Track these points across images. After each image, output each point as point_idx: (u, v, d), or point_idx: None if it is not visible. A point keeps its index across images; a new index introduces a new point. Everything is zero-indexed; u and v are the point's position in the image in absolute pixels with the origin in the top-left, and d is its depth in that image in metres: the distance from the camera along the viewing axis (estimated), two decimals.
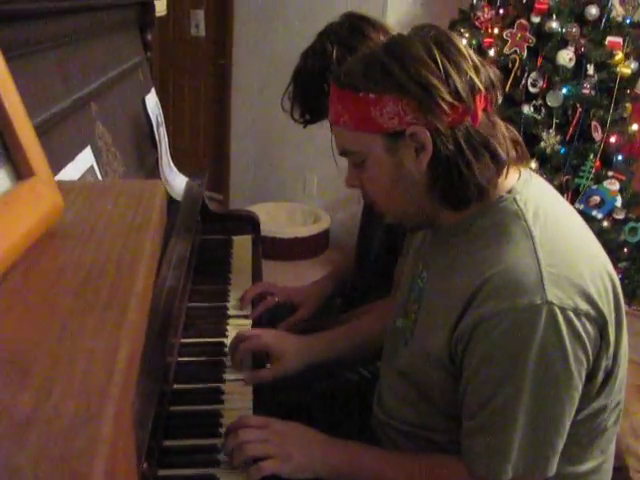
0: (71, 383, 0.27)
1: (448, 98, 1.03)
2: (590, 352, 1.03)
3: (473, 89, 1.05)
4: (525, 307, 0.99)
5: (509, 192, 1.12)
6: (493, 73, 1.10)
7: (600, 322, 1.03)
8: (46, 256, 0.37)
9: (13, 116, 0.37)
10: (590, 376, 1.05)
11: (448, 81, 1.03)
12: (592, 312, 1.01)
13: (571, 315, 0.99)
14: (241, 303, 1.73)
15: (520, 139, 1.15)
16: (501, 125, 1.12)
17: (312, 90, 1.57)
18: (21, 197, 0.37)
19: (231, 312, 1.72)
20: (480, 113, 1.06)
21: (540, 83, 3.40)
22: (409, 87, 1.03)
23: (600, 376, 1.07)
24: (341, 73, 1.11)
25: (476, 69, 1.07)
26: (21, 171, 0.39)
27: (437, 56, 1.04)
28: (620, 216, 3.46)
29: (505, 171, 1.11)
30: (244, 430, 1.17)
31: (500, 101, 1.13)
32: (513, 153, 1.11)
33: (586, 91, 3.34)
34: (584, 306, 1.01)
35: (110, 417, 0.25)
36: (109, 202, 0.43)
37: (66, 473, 0.23)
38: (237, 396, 1.40)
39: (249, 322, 1.68)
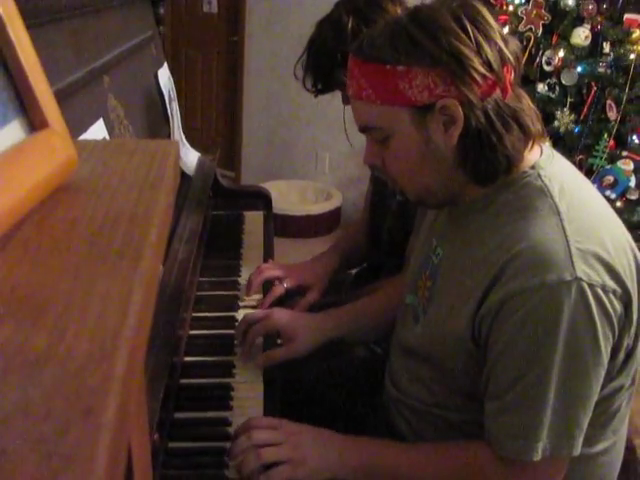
0: (85, 325, 0.27)
1: (480, 69, 1.01)
2: (616, 329, 1.02)
3: (503, 60, 1.03)
4: (554, 283, 0.97)
5: (532, 168, 1.10)
6: (515, 45, 1.08)
7: (625, 299, 1.02)
8: (60, 208, 0.37)
9: (27, 67, 0.37)
10: (612, 355, 1.04)
11: (480, 52, 1.01)
12: (619, 290, 1.00)
13: (600, 292, 0.98)
14: (248, 290, 1.68)
15: (539, 113, 1.14)
16: (526, 97, 1.10)
17: (325, 60, 1.56)
18: (35, 148, 0.37)
19: (241, 298, 1.68)
20: (509, 85, 1.05)
21: (555, 61, 3.36)
22: (441, 58, 1.01)
23: (621, 355, 1.06)
24: (363, 45, 1.07)
25: (504, 40, 1.05)
26: (35, 122, 0.38)
27: (467, 26, 1.02)
28: (634, 196, 3.43)
29: (531, 144, 1.10)
30: (257, 431, 1.12)
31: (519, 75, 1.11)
32: (539, 126, 1.10)
33: (602, 69, 3.30)
34: (611, 283, 1.00)
35: (124, 357, 0.25)
36: (123, 159, 0.43)
37: (79, 409, 0.23)
38: (248, 369, 1.40)
39: (259, 297, 1.68)
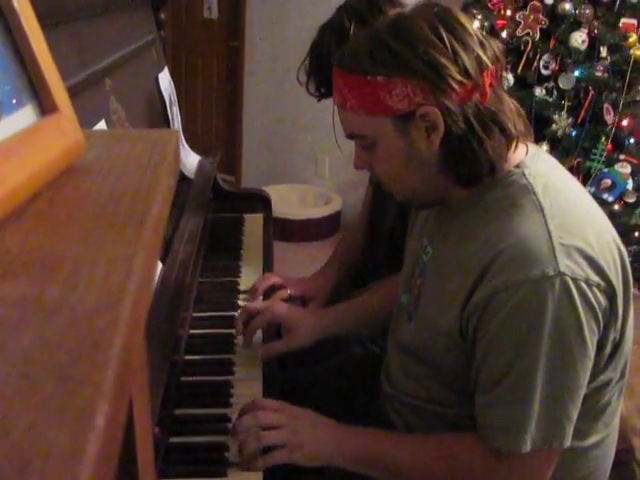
0: (94, 280, 0.30)
1: (457, 77, 1.03)
2: (601, 322, 1.03)
3: (481, 65, 1.05)
4: (538, 278, 0.99)
5: (517, 167, 1.12)
6: (497, 47, 1.10)
7: (609, 293, 1.04)
8: (69, 186, 0.40)
9: (39, 56, 0.40)
10: (599, 348, 1.06)
11: (456, 59, 1.03)
12: (602, 283, 1.02)
13: (583, 286, 1.00)
14: (252, 295, 1.71)
15: (523, 112, 1.15)
16: (507, 99, 1.12)
17: (328, 64, 1.58)
18: (46, 130, 0.40)
19: (242, 297, 1.71)
20: (488, 89, 1.06)
21: (552, 65, 3.39)
22: (418, 68, 1.03)
23: (608, 348, 1.08)
24: (345, 56, 1.10)
25: (482, 45, 1.07)
26: (46, 106, 0.41)
27: (443, 34, 1.04)
28: (631, 199, 3.46)
29: (514, 145, 1.12)
30: (262, 413, 1.15)
31: (512, 82, 1.13)
32: (521, 127, 1.12)
33: (599, 73, 3.33)
34: (595, 277, 1.01)
35: (129, 306, 0.28)
36: (127, 146, 0.46)
37: (90, 344, 0.26)
38: (247, 368, 1.42)
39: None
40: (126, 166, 0.43)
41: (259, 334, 1.50)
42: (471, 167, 1.09)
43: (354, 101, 1.09)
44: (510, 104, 1.12)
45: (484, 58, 1.06)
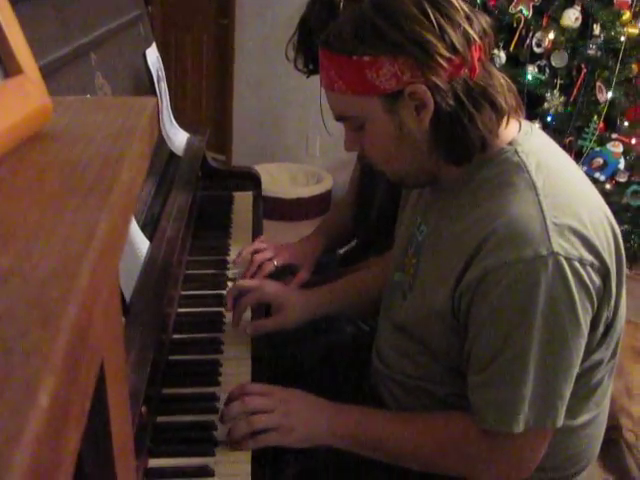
0: (51, 247, 0.28)
1: (445, 53, 1.02)
2: (595, 301, 1.03)
3: (468, 40, 1.04)
4: (531, 258, 0.99)
5: (510, 144, 1.11)
6: (484, 21, 1.09)
7: (603, 272, 1.03)
8: (34, 152, 0.38)
9: (0, 16, 0.38)
10: (592, 327, 1.06)
11: (443, 35, 1.02)
12: (596, 262, 1.02)
13: (577, 265, 0.99)
14: (236, 259, 1.72)
15: (514, 87, 1.14)
16: (497, 74, 1.11)
17: (317, 39, 1.56)
18: (8, 92, 0.38)
19: (230, 272, 1.71)
20: (477, 64, 1.05)
21: (545, 43, 3.37)
22: (404, 46, 1.02)
23: (601, 327, 1.08)
24: (330, 37, 1.08)
25: (469, 19, 1.05)
26: (8, 68, 0.39)
27: (428, 10, 1.02)
28: (623, 179, 3.44)
29: (505, 120, 1.10)
30: (250, 398, 1.14)
31: (504, 60, 1.12)
32: (512, 102, 1.11)
33: (592, 51, 3.31)
34: (588, 256, 1.01)
35: (87, 274, 0.26)
36: (101, 113, 0.44)
37: (40, 315, 0.24)
38: (236, 346, 1.42)
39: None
40: (97, 133, 0.41)
41: (248, 312, 1.49)
42: (462, 143, 1.08)
43: (341, 82, 1.08)
44: (500, 79, 1.10)
45: (471, 32, 1.04)
